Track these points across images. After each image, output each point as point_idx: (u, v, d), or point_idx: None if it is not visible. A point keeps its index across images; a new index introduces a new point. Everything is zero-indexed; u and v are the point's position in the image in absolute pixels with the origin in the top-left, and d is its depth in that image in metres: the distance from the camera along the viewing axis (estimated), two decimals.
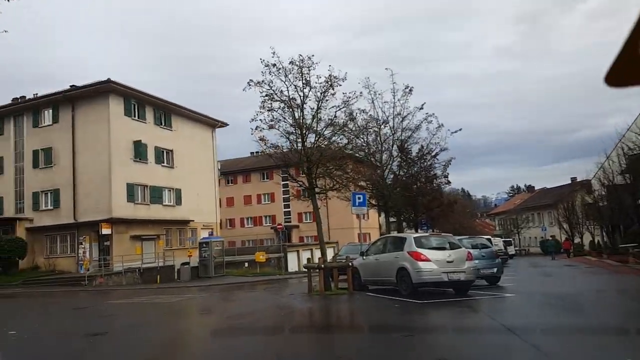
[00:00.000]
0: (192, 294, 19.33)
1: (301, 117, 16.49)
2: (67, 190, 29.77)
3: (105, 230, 27.88)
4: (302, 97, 16.30)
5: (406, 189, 24.96)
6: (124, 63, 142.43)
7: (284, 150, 17.73)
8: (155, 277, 27.80)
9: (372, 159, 23.59)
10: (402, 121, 22.99)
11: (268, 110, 16.25)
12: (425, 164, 26.04)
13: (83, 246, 28.64)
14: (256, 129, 16.51)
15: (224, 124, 39.03)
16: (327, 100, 16.53)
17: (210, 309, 14.32)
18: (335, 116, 17.10)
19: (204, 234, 33.70)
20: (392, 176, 24.82)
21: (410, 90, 22.37)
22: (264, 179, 52.24)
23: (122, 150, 29.70)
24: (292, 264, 35.88)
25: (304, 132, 16.45)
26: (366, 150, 23.21)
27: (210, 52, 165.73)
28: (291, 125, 16.49)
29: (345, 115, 17.89)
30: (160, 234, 31.76)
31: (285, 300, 14.91)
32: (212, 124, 38.26)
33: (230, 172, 53.77)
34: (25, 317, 13.78)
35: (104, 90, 29.24)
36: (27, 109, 31.60)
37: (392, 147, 23.71)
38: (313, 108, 16.57)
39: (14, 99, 33.04)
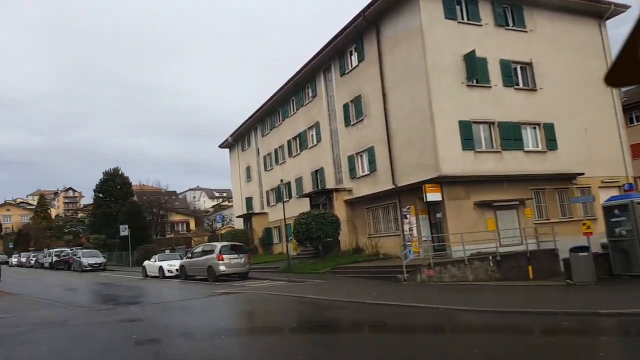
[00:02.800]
0: None
1: None
2: (381, 147, 21.29)
3: (432, 196, 17.60)
4: None
5: None
6: None
7: None
8: (523, 270, 15.79)
9: None
10: None
11: None
12: None
13: (408, 220, 19.29)
14: None
15: (620, 8, 22.56)
16: None
17: None
18: None
19: (605, 195, 18.69)
20: None
21: None
22: None
23: (446, 71, 18.87)
24: None
25: None
26: None
27: None
28: None
29: None
30: (525, 197, 19.09)
31: None
32: (598, 11, 22.47)
33: None
34: None
35: None
36: (332, 56, 25.21)
37: None
38: None
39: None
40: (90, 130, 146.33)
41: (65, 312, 13.08)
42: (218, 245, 20.93)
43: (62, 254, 39.89)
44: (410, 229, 18.98)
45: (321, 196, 24.96)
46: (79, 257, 34.90)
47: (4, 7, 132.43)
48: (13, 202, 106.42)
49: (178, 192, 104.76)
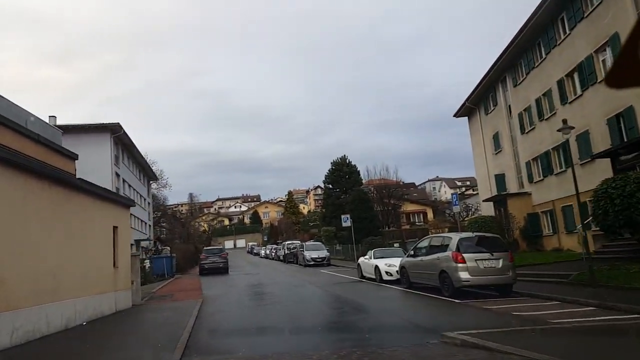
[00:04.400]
0: None
1: None
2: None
3: None
4: None
5: None
6: None
7: None
8: None
9: None
10: None
11: None
12: None
13: None
14: None
15: None
16: None
17: None
18: None
19: None
20: None
21: None
22: None
23: None
24: None
25: None
26: None
27: None
28: None
29: None
30: None
31: None
32: None
33: None
34: None
35: None
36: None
37: None
38: None
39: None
40: (338, 134, 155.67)
41: None
42: (454, 237, 12.54)
43: (292, 246, 37.49)
44: None
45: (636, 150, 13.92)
46: (303, 251, 31.29)
47: (262, 40, 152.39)
48: (270, 201, 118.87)
49: (417, 184, 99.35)
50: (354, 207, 36.30)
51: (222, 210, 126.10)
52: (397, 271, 16.40)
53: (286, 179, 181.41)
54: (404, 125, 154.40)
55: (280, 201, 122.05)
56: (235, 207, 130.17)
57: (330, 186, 48.61)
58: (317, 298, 14.58)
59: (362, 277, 19.08)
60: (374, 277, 17.64)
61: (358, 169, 48.14)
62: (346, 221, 30.34)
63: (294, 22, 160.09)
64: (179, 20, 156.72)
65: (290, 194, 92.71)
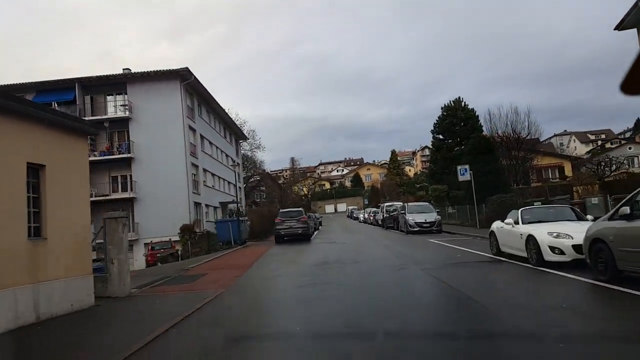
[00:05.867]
0: None
1: None
2: None
3: None
4: None
5: None
6: None
7: None
8: None
9: None
10: None
11: None
12: None
13: None
14: None
15: None
16: None
17: None
18: None
19: None
20: None
21: None
22: None
23: None
24: None
25: None
26: None
27: None
28: None
29: None
30: None
31: None
32: None
33: None
34: None
35: None
36: None
37: None
38: None
39: None
40: (450, 93, 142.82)
41: None
42: None
43: (392, 209, 30.30)
44: None
45: None
46: (405, 214, 24.00)
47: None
48: (372, 163, 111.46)
49: (541, 139, 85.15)
50: (473, 158, 27.80)
51: (324, 175, 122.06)
52: (573, 246, 8.71)
53: (391, 143, 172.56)
54: (523, 79, 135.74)
55: (384, 163, 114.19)
56: (337, 171, 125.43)
57: (441, 136, 39.94)
58: (429, 302, 7.41)
59: (499, 252, 11.47)
60: (523, 254, 9.99)
61: (477, 113, 38.80)
62: (464, 173, 22.34)
63: None
64: None
65: (393, 153, 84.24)
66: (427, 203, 25.50)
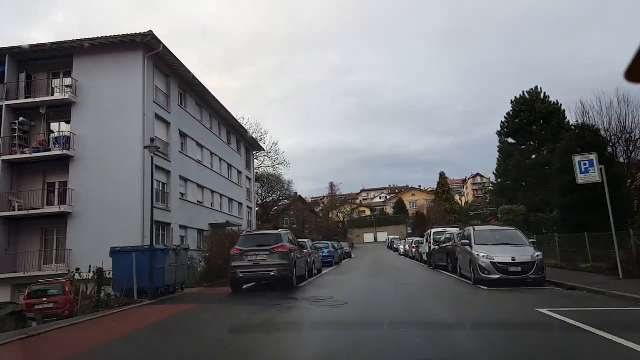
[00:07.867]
0: None
1: None
2: None
3: None
4: None
5: None
6: None
7: None
8: None
9: None
10: None
11: None
12: None
13: None
14: None
15: None
16: None
17: None
18: None
19: None
20: None
21: None
22: None
23: None
24: None
25: None
26: None
27: None
28: None
29: None
30: None
31: None
32: None
33: None
34: None
35: None
36: None
37: None
38: None
39: None
40: (496, 123, 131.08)
41: None
42: None
43: (444, 238, 19.51)
44: None
45: None
46: (470, 246, 13.24)
47: (408, 28, 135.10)
48: (418, 188, 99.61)
49: None
50: (568, 163, 16.65)
51: (366, 202, 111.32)
52: None
53: (436, 174, 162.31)
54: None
55: (431, 190, 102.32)
56: (379, 198, 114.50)
57: (511, 139, 28.87)
58: None
59: None
60: None
61: (562, 106, 27.56)
62: (587, 170, 11.61)
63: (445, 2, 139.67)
64: (325, 22, 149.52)
65: (442, 176, 72.58)
66: (512, 228, 14.53)
